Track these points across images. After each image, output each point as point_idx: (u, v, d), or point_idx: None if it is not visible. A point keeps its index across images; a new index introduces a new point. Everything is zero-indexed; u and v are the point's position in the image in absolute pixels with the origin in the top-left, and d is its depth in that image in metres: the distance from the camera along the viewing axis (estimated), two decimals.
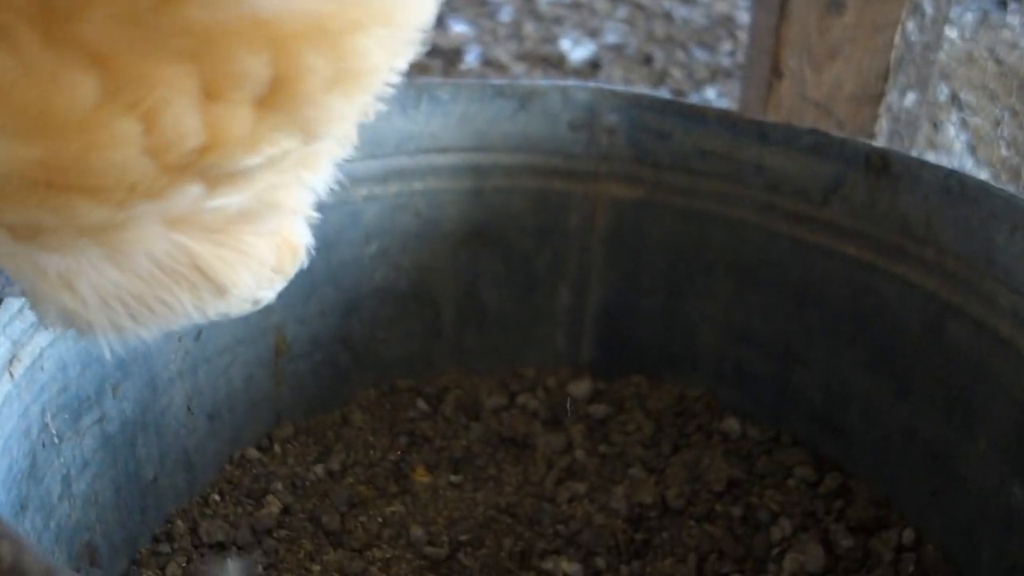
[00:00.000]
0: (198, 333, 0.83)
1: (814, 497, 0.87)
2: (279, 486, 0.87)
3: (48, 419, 0.64)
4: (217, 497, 0.86)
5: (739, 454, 0.92)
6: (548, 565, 0.82)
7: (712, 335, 0.97)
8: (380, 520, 0.86)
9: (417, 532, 0.85)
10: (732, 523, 0.85)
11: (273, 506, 0.85)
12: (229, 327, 0.86)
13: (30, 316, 0.62)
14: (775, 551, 0.82)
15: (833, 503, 0.86)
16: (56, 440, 0.66)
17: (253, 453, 0.91)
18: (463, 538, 0.85)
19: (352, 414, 0.97)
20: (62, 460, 0.67)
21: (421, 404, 0.99)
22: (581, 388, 1.00)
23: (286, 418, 0.94)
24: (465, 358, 1.02)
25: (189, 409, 0.84)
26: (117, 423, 0.74)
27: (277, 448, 0.92)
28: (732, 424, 0.95)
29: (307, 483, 0.89)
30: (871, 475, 0.87)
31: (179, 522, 0.82)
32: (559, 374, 1.03)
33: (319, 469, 0.90)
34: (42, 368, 0.63)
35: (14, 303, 0.60)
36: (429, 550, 0.83)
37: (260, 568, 0.80)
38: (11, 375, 0.59)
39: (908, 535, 0.81)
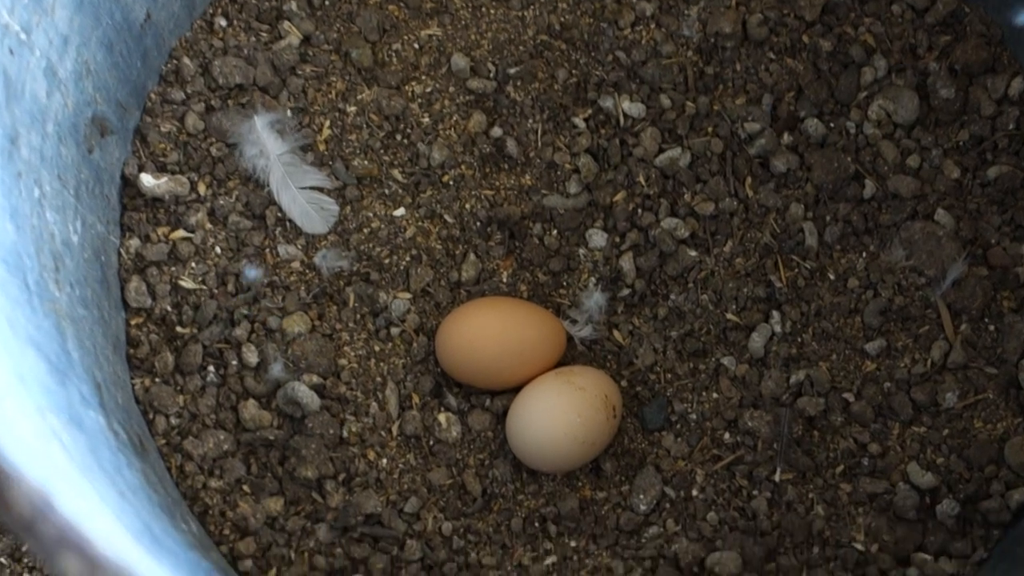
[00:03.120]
0: None
1: (919, 28, 0.75)
2: (293, 6, 0.74)
3: (6, 18, 0.50)
4: (223, 21, 0.73)
5: None
6: (607, 103, 0.74)
7: None
8: (416, 47, 0.75)
9: (460, 61, 0.74)
10: (818, 58, 0.75)
11: (292, 36, 0.73)
12: None
13: None
14: (862, 95, 0.74)
15: (940, 38, 0.75)
16: (24, 36, 0.52)
17: None
18: (512, 70, 0.75)
19: None
20: (38, 53, 0.54)
21: None
22: None
23: None
24: None
25: None
26: None
27: None
28: None
29: (327, 1, 0.75)
30: (995, 4, 0.73)
31: (186, 59, 0.71)
32: None
33: None
34: None
35: None
36: (474, 83, 0.74)
37: (289, 114, 0.72)
38: None
39: (1017, 84, 0.72)
